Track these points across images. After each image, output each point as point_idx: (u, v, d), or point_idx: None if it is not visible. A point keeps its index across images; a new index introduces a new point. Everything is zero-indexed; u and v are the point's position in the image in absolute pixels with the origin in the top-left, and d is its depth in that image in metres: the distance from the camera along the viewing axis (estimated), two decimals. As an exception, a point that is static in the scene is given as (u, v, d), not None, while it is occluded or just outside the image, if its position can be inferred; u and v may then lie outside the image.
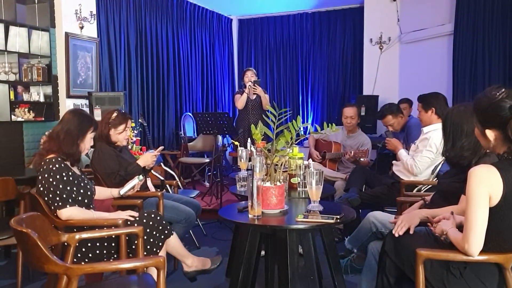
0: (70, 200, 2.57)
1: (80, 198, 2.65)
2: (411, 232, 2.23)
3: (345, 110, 4.83)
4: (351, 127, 4.83)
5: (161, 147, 3.72)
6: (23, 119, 4.79)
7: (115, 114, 3.41)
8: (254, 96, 5.80)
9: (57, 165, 2.55)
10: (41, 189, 2.55)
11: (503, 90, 1.81)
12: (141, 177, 3.05)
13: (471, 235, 1.80)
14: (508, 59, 5.66)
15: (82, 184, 2.68)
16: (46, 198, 2.56)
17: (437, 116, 3.64)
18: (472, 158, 2.36)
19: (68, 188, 2.57)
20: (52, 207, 2.55)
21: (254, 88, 5.72)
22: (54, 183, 2.53)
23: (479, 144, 2.27)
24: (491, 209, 1.79)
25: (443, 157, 2.68)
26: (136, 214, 2.76)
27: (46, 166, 2.55)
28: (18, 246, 2.00)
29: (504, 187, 1.76)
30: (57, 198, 2.54)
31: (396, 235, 2.21)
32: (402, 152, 3.94)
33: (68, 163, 2.64)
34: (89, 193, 2.71)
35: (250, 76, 5.81)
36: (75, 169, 2.71)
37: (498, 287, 1.92)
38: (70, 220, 2.58)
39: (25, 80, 4.92)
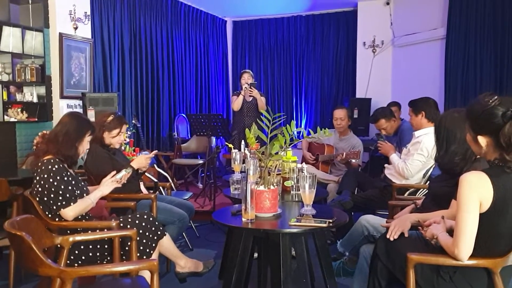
0: (73, 198, 2.60)
1: (78, 197, 2.68)
2: (406, 235, 2.26)
3: (335, 112, 4.91)
4: (341, 128, 4.89)
5: (155, 151, 3.73)
6: (16, 120, 4.76)
7: (110, 118, 3.40)
8: (250, 98, 5.83)
9: (56, 166, 2.57)
10: (40, 189, 2.56)
11: (496, 97, 1.84)
12: (128, 169, 3.09)
13: (461, 240, 1.83)
14: (499, 63, 5.73)
15: (80, 185, 2.72)
16: (46, 199, 2.57)
17: (427, 120, 3.69)
18: (464, 165, 2.38)
19: (70, 187, 2.60)
20: (55, 207, 2.57)
21: (250, 91, 5.75)
22: (55, 183, 2.55)
23: (470, 151, 2.30)
24: (481, 215, 1.82)
25: (435, 162, 2.71)
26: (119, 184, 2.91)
27: (44, 167, 2.56)
28: (12, 249, 2.00)
29: (494, 193, 1.79)
30: (60, 198, 2.56)
31: (391, 238, 2.23)
32: (394, 156, 3.97)
33: (66, 165, 2.66)
34: (85, 195, 2.74)
35: (246, 78, 5.83)
36: (71, 171, 2.73)
37: (487, 291, 1.96)
38: (64, 222, 2.59)
39: (19, 80, 4.90)
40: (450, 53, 6.23)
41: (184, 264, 3.07)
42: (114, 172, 2.95)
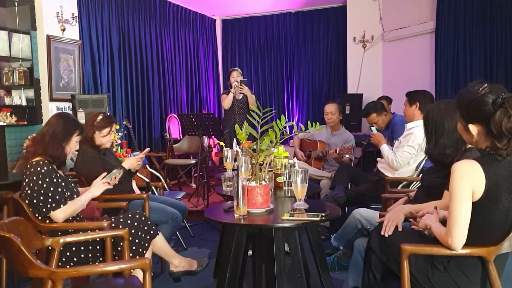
0: (63, 200, 2.57)
1: (69, 199, 2.65)
2: (400, 229, 2.25)
3: (326, 107, 4.94)
4: (332, 123, 4.89)
5: (147, 149, 3.70)
6: (5, 124, 4.72)
7: (100, 117, 3.39)
8: (241, 96, 5.81)
9: (45, 168, 2.54)
10: (29, 191, 2.52)
11: (486, 85, 1.84)
12: (120, 169, 3.09)
13: (455, 230, 1.83)
14: (488, 55, 5.77)
15: (70, 186, 2.69)
16: (35, 201, 2.53)
17: (420, 112, 3.69)
18: (455, 156, 2.38)
19: (59, 189, 2.58)
20: (45, 209, 2.54)
21: (240, 88, 5.73)
22: (45, 185, 2.52)
23: (461, 141, 2.30)
24: (474, 203, 1.82)
25: (426, 154, 2.71)
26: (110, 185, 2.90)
27: (33, 169, 2.53)
28: (1, 252, 1.97)
29: (486, 182, 1.79)
30: (50, 200, 2.53)
31: (386, 235, 2.22)
32: (384, 147, 3.98)
33: (55, 166, 2.63)
34: (75, 196, 2.71)
35: (236, 76, 5.82)
36: (60, 172, 2.70)
37: (481, 280, 1.95)
38: (54, 224, 2.56)
39: (7, 83, 4.86)
40: (440, 46, 6.25)
41: (178, 263, 3.06)
42: (105, 173, 2.92)
